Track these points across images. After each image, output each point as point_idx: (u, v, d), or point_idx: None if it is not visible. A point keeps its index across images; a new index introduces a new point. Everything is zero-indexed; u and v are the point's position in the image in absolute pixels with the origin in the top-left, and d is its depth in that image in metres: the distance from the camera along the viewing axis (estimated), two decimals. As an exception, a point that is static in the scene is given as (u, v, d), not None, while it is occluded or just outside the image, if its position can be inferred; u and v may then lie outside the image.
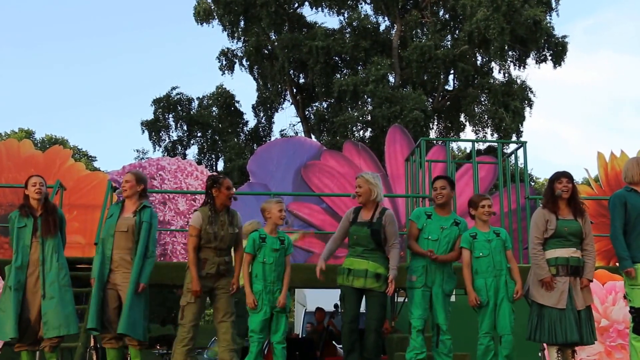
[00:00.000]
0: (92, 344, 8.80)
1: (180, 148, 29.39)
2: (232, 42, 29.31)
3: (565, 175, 6.61)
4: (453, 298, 7.05)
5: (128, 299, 6.67)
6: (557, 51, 26.49)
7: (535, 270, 6.56)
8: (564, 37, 26.54)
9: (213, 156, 30.07)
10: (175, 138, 29.49)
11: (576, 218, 6.56)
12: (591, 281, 6.48)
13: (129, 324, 6.63)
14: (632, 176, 6.66)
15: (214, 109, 29.80)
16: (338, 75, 26.96)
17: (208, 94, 30.28)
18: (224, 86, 30.44)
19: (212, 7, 28.37)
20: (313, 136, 28.09)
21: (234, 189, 6.94)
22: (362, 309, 6.69)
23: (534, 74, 67.60)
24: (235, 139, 29.44)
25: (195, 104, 30.03)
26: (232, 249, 6.95)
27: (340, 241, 6.96)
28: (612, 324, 8.66)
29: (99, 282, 6.72)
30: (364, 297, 6.72)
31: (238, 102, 30.56)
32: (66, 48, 77.66)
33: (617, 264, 6.67)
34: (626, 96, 79.80)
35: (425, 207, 7.96)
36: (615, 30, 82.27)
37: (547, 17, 25.73)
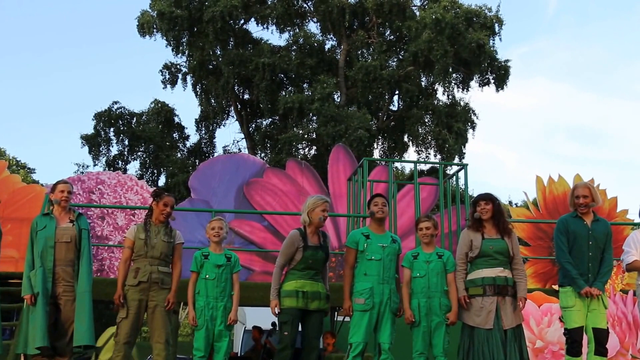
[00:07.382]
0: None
1: (120, 163, 28.92)
2: (177, 56, 29.03)
3: (484, 199, 6.79)
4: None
5: (87, 309, 6.58)
6: (500, 75, 26.78)
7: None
8: (507, 61, 26.86)
9: (155, 171, 29.63)
10: (116, 152, 29.01)
11: (503, 237, 6.65)
12: (526, 299, 6.57)
13: (91, 334, 6.54)
14: (570, 204, 6.88)
15: (152, 124, 29.17)
16: (283, 93, 26.94)
17: (146, 109, 29.77)
18: (162, 101, 29.83)
19: (156, 22, 27.95)
20: (257, 153, 27.98)
21: (171, 208, 6.87)
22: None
23: (477, 96, 68.61)
24: (179, 154, 29.15)
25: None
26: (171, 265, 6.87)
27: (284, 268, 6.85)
28: (547, 345, 8.79)
29: (43, 297, 6.51)
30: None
31: (177, 116, 30.16)
32: (7, 61, 76.36)
33: (556, 286, 6.78)
34: (560, 123, 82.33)
35: (359, 228, 7.93)
36: (549, 59, 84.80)
37: (490, 41, 26.07)
